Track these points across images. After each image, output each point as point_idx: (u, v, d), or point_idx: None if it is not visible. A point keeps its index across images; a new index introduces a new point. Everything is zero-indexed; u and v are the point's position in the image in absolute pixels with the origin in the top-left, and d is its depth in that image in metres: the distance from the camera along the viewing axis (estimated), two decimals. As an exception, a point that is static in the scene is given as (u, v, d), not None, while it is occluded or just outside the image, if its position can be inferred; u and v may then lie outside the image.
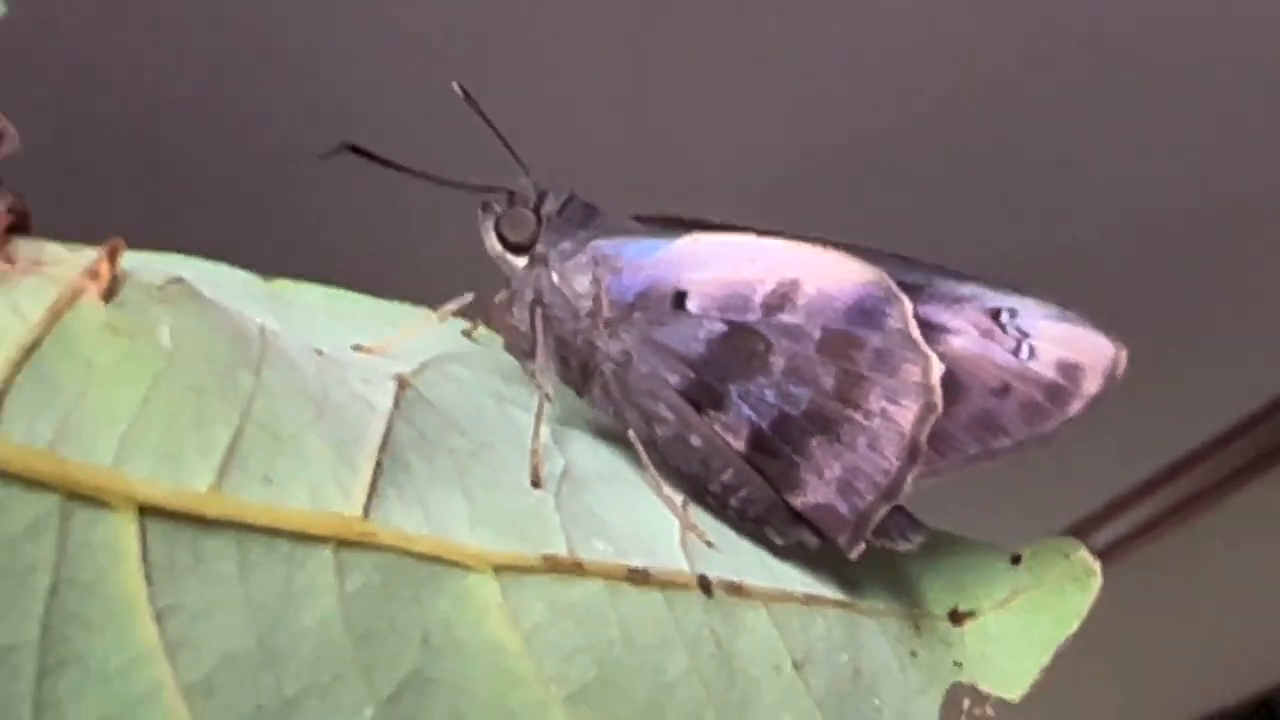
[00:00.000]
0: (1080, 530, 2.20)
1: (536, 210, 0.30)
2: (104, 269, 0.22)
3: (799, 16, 1.36)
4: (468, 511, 0.26)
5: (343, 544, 0.23)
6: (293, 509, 0.23)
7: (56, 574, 0.21)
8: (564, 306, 0.29)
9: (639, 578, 0.27)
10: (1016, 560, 0.32)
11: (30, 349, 0.21)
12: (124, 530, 0.21)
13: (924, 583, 0.32)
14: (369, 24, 1.32)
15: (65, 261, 0.23)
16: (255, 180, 1.48)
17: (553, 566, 0.26)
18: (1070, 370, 0.29)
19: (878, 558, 0.30)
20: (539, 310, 0.29)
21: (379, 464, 0.25)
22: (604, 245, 0.29)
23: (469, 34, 1.33)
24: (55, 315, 0.22)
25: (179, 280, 0.24)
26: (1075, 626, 0.31)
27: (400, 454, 0.25)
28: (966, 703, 0.31)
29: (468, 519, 0.25)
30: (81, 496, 0.21)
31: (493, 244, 0.30)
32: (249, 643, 0.22)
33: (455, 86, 0.32)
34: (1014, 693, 0.31)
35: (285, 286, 0.30)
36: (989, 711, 0.31)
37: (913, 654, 0.31)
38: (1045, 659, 0.31)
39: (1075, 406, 0.29)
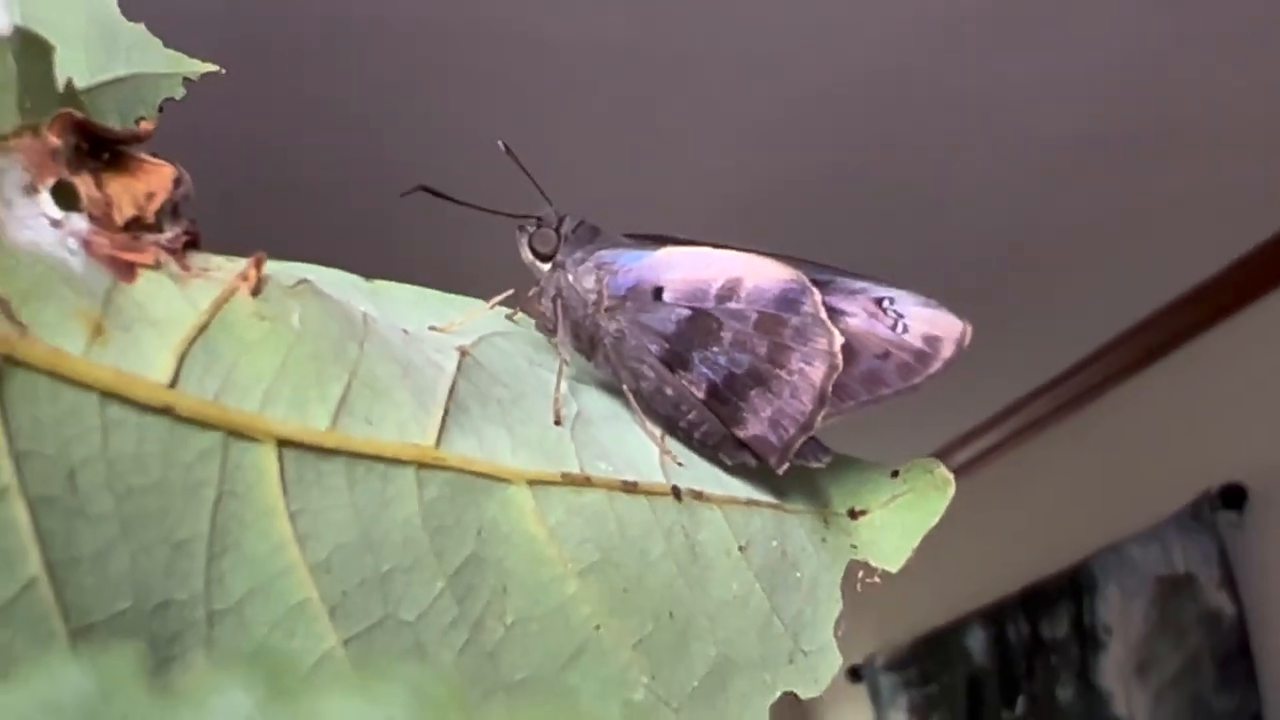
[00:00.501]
0: (939, 453, 2.21)
1: (557, 230, 0.30)
2: (252, 273, 0.22)
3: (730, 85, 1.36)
4: (509, 442, 0.25)
5: (421, 466, 0.23)
6: (386, 441, 0.23)
7: (220, 488, 0.21)
8: (576, 299, 0.29)
9: (630, 488, 0.27)
10: (895, 474, 0.32)
11: (200, 330, 0.21)
12: (267, 457, 0.21)
13: (831, 491, 0.32)
14: (436, 96, 1.33)
15: (225, 268, 0.23)
16: (360, 213, 1.47)
17: (569, 480, 0.26)
18: (932, 341, 0.29)
19: (799, 474, 0.30)
20: (559, 301, 0.29)
21: (446, 409, 0.25)
22: (605, 255, 0.29)
23: (505, 110, 1.34)
24: (218, 306, 0.22)
25: (305, 281, 0.24)
26: (936, 520, 0.31)
27: (462, 402, 0.25)
28: (860, 573, 0.31)
29: (509, 447, 0.25)
30: (236, 433, 0.21)
31: (526, 254, 0.30)
32: (355, 535, 0.22)
33: (500, 144, 0.32)
34: (894, 566, 0.31)
35: (382, 285, 0.30)
36: (876, 579, 0.31)
37: (823, 540, 0.31)
38: (915, 543, 0.31)
39: (936, 366, 0.29)
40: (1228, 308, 1.84)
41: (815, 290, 0.28)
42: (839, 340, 0.28)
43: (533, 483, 0.25)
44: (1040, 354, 2.02)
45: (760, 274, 0.28)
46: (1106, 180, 1.57)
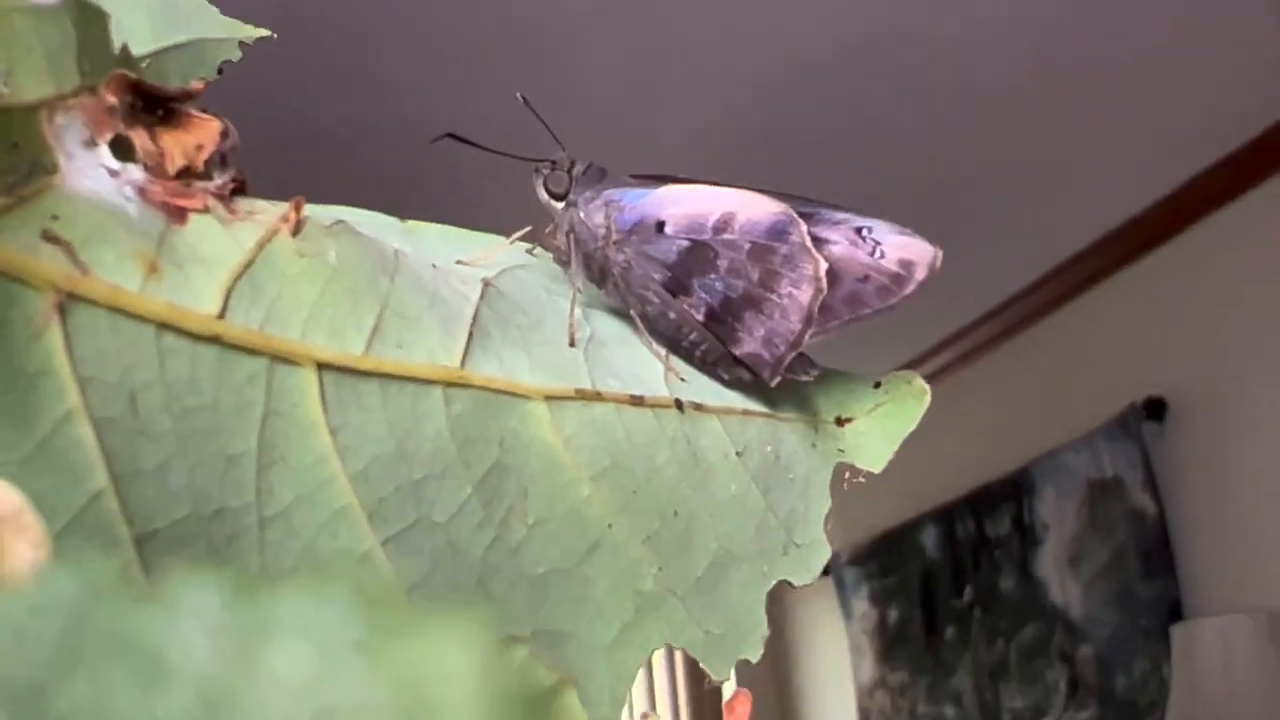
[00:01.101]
0: (914, 363, 2.23)
1: (569, 172, 0.29)
2: (292, 215, 0.22)
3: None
4: (527, 363, 0.25)
5: (448, 385, 0.23)
6: (415, 364, 0.23)
7: (267, 406, 0.21)
8: (587, 233, 0.29)
9: (636, 401, 0.27)
10: (878, 385, 0.32)
11: (246, 266, 0.21)
12: (308, 378, 0.21)
13: (820, 402, 0.31)
14: (464, 61, 1.32)
15: (268, 211, 0.22)
16: (396, 165, 1.47)
17: (581, 395, 0.25)
18: (907, 265, 0.29)
19: (791, 387, 0.30)
20: (571, 236, 0.29)
21: (470, 334, 0.24)
22: (612, 194, 0.29)
23: (526, 68, 1.33)
24: (261, 245, 0.21)
25: (341, 221, 0.23)
26: (914, 425, 0.31)
27: (485, 327, 0.25)
28: (848, 474, 0.31)
29: (528, 367, 0.25)
30: (280, 358, 0.21)
31: (541, 194, 0.30)
32: (390, 447, 0.22)
33: (519, 96, 0.32)
34: (877, 467, 0.31)
35: (415, 225, 0.29)
36: (861, 479, 0.31)
37: (813, 445, 0.31)
38: (896, 446, 0.31)
39: (910, 287, 0.29)
40: (1151, 242, 1.88)
41: (801, 221, 0.28)
42: (824, 266, 0.28)
43: (549, 398, 0.25)
44: (985, 282, 2.06)
45: (752, 208, 0.28)
46: (1041, 128, 1.57)
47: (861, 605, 2.49)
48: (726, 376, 0.29)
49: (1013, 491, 2.10)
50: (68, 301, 0.18)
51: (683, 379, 0.28)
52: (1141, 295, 1.90)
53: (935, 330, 2.23)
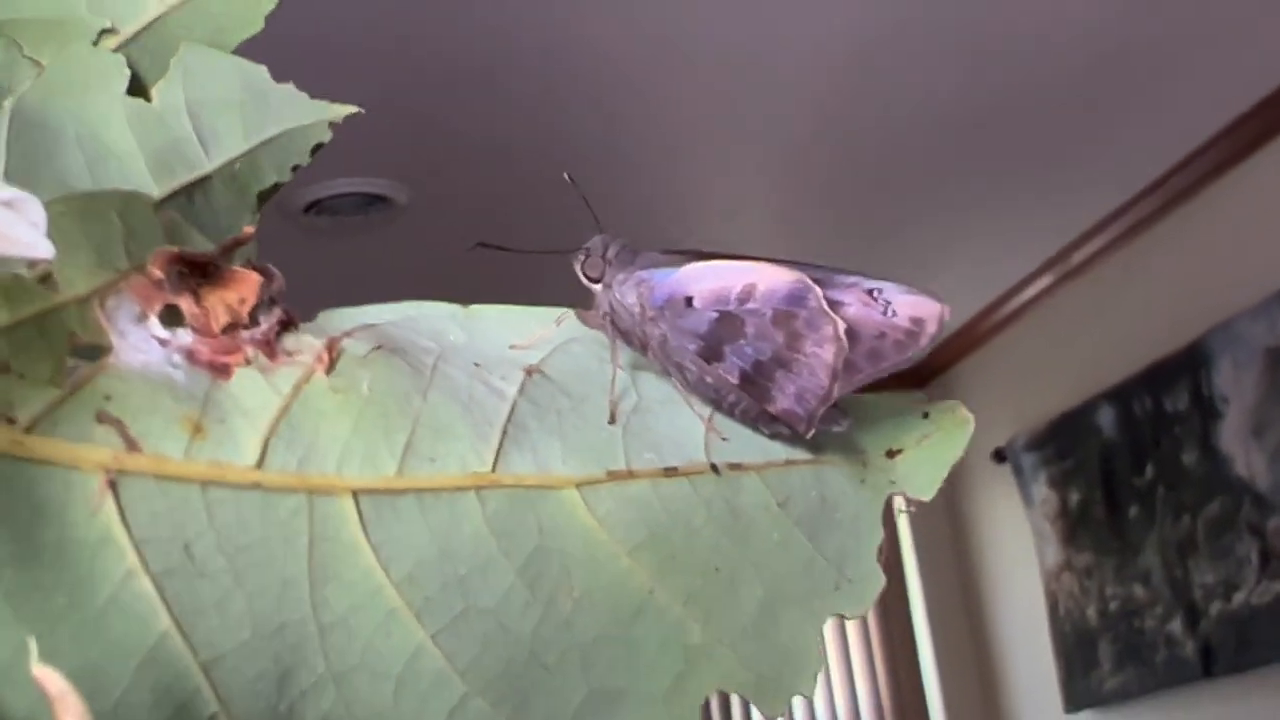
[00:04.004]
0: (1063, 251, 2.20)
1: (603, 257, 0.31)
2: (326, 356, 0.24)
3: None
4: (562, 451, 0.27)
5: (480, 488, 0.25)
6: (448, 475, 0.25)
7: (311, 534, 0.23)
8: (625, 312, 0.30)
9: (671, 472, 0.28)
10: (926, 415, 0.32)
11: (282, 412, 0.23)
12: (346, 505, 0.23)
13: (869, 438, 0.32)
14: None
15: (307, 349, 0.24)
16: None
17: (614, 476, 0.27)
18: (917, 321, 0.29)
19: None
20: (610, 316, 0.30)
21: (504, 433, 0.26)
22: (642, 275, 0.30)
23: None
24: (298, 388, 0.23)
25: (379, 347, 0.25)
26: (961, 453, 0.31)
27: (521, 422, 0.27)
28: (900, 502, 0.32)
29: (562, 456, 0.27)
30: (317, 492, 0.23)
31: (582, 279, 0.31)
32: (432, 551, 0.24)
33: (566, 176, 0.33)
34: (928, 495, 0.31)
35: (476, 310, 0.31)
36: (913, 509, 0.31)
37: (861, 481, 0.31)
38: (945, 474, 0.31)
39: (924, 341, 0.30)
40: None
41: (816, 287, 0.29)
42: (842, 326, 0.29)
43: (580, 484, 0.26)
44: (1147, 153, 1.98)
45: (769, 278, 0.29)
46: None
47: (1041, 490, 2.42)
48: (768, 432, 0.30)
49: (1188, 365, 2.02)
50: (118, 477, 0.20)
51: (725, 438, 0.30)
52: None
53: (1100, 206, 2.14)
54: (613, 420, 0.28)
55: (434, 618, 0.24)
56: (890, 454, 0.32)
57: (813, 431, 0.30)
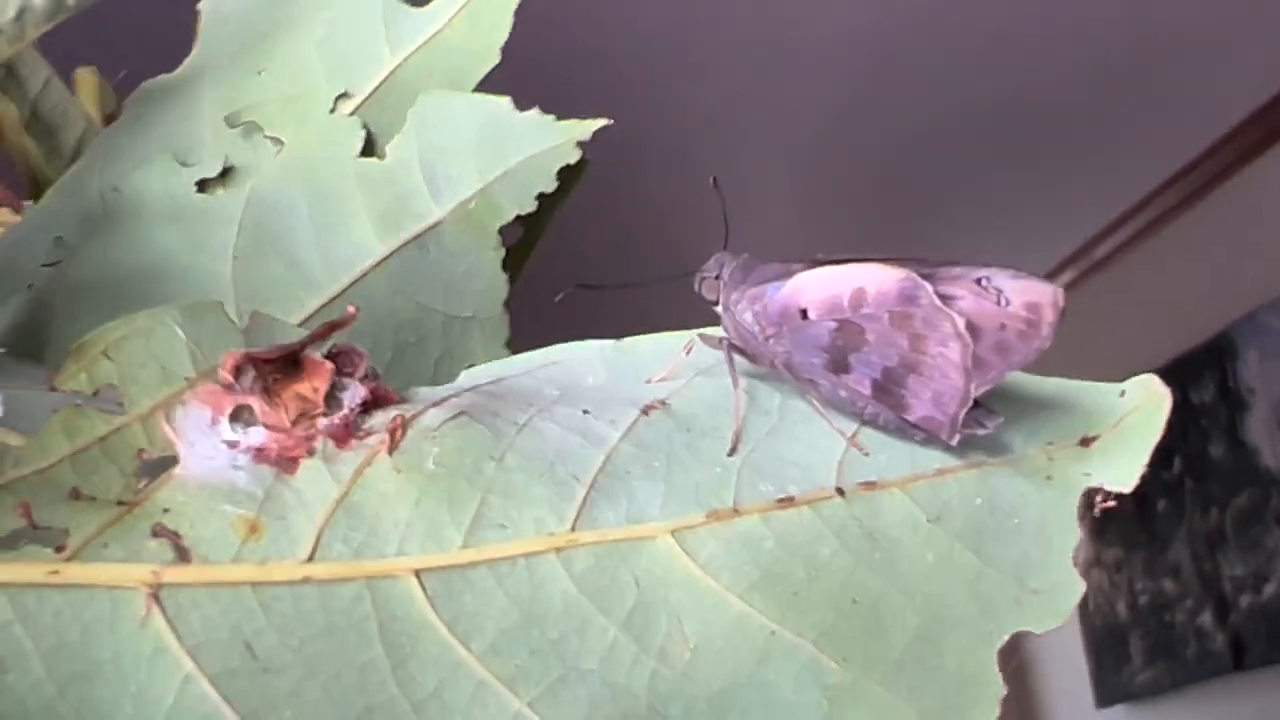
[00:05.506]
0: (1087, 244, 2.19)
1: (719, 278, 0.29)
2: (392, 437, 0.24)
3: None
4: (662, 496, 0.25)
5: (559, 549, 0.24)
6: (521, 540, 0.24)
7: (379, 617, 0.23)
8: (745, 332, 0.29)
9: (786, 503, 0.26)
10: (1122, 394, 0.28)
11: (339, 501, 0.23)
12: (410, 585, 0.23)
13: (1055, 425, 0.28)
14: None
15: (378, 430, 0.24)
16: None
17: (715, 516, 0.25)
18: (1033, 307, 0.26)
19: (1015, 418, 0.28)
20: (727, 341, 0.28)
21: (593, 485, 0.25)
22: (754, 292, 0.28)
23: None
24: (358, 473, 0.23)
25: (458, 415, 0.25)
26: (1160, 435, 0.27)
27: (616, 470, 0.25)
28: (1098, 497, 0.28)
29: (660, 501, 0.25)
30: (375, 577, 0.23)
31: (703, 302, 0.30)
32: (514, 618, 0.23)
33: (711, 180, 0.32)
34: (1128, 487, 0.28)
35: (629, 342, 0.30)
36: (1111, 502, 0.28)
37: (1047, 478, 0.28)
38: (1145, 459, 0.28)
39: (1045, 330, 0.26)
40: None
41: (925, 283, 0.26)
42: (960, 320, 0.26)
43: (675, 531, 0.25)
44: (1167, 146, 1.97)
45: (878, 280, 0.26)
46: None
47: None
48: (917, 440, 0.27)
49: (1214, 357, 1.99)
50: (160, 590, 0.21)
51: (866, 454, 0.27)
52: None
53: (1123, 199, 2.11)
54: (732, 452, 0.27)
55: (528, 686, 0.23)
56: (1085, 442, 0.29)
57: (957, 437, 0.27)
